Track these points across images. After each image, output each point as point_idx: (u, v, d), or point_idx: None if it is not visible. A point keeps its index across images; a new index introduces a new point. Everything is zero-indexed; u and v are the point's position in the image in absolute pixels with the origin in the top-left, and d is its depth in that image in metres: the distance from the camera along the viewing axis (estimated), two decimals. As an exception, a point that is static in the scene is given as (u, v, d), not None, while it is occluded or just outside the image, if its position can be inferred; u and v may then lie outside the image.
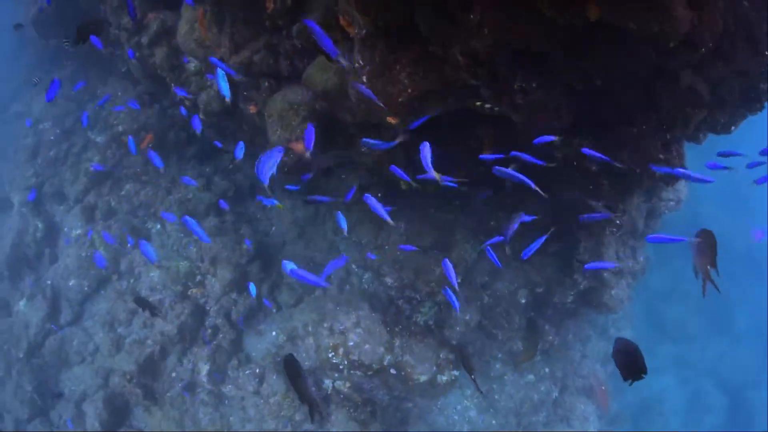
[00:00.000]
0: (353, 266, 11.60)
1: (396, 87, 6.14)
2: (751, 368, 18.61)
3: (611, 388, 14.33)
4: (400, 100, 6.21)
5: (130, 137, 10.76)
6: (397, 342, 10.50)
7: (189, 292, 11.35)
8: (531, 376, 12.53)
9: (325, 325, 10.54)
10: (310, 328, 10.72)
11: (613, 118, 7.08)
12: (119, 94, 13.61)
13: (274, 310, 11.26)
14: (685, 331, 19.37)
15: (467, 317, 11.00)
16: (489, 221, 11.03)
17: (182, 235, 12.06)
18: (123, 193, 13.05)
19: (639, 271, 12.63)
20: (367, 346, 10.31)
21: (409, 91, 6.17)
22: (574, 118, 6.88)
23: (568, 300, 11.68)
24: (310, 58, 8.54)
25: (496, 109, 6.61)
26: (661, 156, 7.09)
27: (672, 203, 12.76)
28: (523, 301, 11.51)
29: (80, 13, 13.29)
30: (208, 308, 11.24)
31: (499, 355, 11.98)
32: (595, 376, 13.86)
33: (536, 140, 6.42)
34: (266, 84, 9.18)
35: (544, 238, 7.66)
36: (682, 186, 12.51)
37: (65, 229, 13.44)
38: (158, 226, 12.49)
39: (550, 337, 12.35)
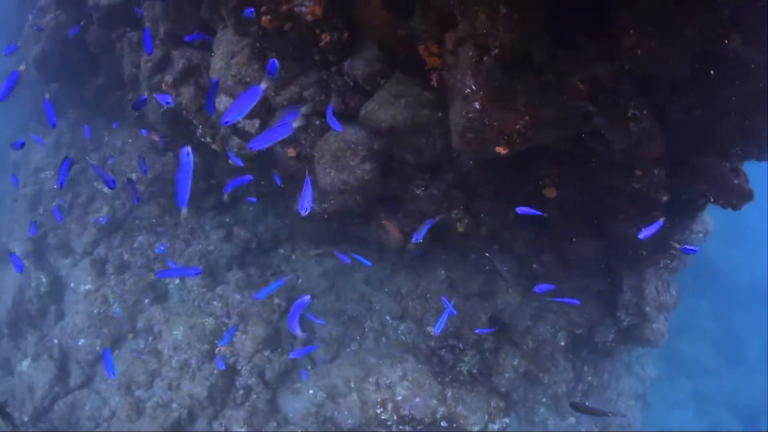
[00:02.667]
0: (387, 318, 11.11)
1: (513, 114, 5.85)
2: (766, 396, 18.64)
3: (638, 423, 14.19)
4: (517, 127, 5.90)
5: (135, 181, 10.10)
6: (449, 392, 9.97)
7: (216, 351, 10.60)
8: (572, 419, 12.14)
9: (371, 379, 9.95)
10: (352, 384, 10.09)
11: (684, 149, 6.96)
12: (129, 141, 12.94)
13: (310, 367, 10.58)
14: (701, 365, 19.52)
15: (515, 362, 10.54)
16: (531, 264, 10.66)
17: (204, 290, 11.38)
18: (136, 245, 12.35)
19: (673, 305, 12.45)
20: (417, 399, 9.75)
21: (527, 118, 5.86)
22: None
23: (609, 338, 11.35)
24: (362, 95, 8.16)
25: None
26: (735, 181, 7.00)
27: (701, 235, 12.69)
28: (563, 343, 11.22)
29: (88, 58, 12.70)
30: (239, 367, 10.49)
31: (544, 400, 11.54)
32: None
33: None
34: (317, 122, 8.69)
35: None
36: (707, 218, 12.41)
37: (72, 285, 12.63)
38: (177, 281, 11.78)
39: (589, 378, 12.19)
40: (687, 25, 5.04)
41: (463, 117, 6.11)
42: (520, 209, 6.99)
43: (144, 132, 11.59)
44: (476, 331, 9.83)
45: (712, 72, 5.73)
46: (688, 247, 7.39)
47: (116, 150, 13.41)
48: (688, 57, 5.38)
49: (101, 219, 12.41)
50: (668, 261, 10.42)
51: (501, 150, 6.21)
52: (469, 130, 6.16)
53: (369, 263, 9.00)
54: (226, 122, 5.03)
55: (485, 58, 5.78)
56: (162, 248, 12.02)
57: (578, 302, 8.08)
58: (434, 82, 7.16)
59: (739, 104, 6.16)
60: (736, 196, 7.11)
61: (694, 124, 6.44)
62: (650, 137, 6.28)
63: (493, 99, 5.91)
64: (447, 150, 7.89)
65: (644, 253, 9.58)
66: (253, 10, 7.17)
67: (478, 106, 5.98)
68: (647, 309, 11.14)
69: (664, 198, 7.67)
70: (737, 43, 5.02)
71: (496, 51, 5.38)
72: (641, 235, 6.88)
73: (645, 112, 6.06)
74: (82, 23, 12.20)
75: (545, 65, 5.74)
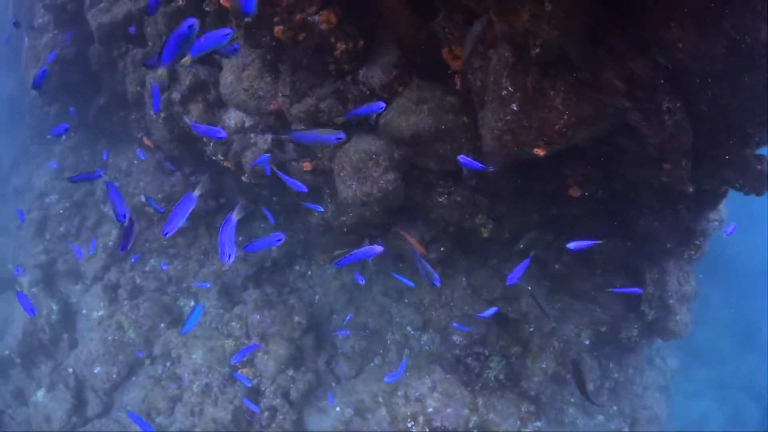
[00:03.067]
0: (409, 329, 10.91)
1: (552, 113, 5.71)
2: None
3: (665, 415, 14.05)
4: (557, 127, 5.76)
5: (150, 202, 9.92)
6: (480, 401, 9.79)
7: (239, 370, 10.38)
8: (601, 417, 12.00)
9: (399, 393, 9.74)
10: (380, 399, 9.90)
11: (706, 139, 6.84)
12: (135, 162, 12.69)
13: (334, 384, 10.36)
14: (718, 354, 19.51)
15: (543, 365, 10.37)
16: (553, 265, 10.49)
17: (222, 311, 11.14)
18: (148, 268, 12.10)
19: (693, 295, 12.43)
20: (449, 409, 9.56)
21: (566, 117, 5.72)
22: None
23: (633, 334, 11.23)
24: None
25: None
26: (758, 167, 7.03)
27: (716, 223, 12.63)
28: (587, 342, 11.09)
29: (88, 78, 12.46)
30: (263, 389, 10.24)
31: (572, 400, 11.37)
32: None
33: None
34: None
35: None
36: (722, 206, 12.35)
37: (84, 311, 12.39)
38: (192, 303, 11.55)
39: (615, 375, 12.11)
40: (722, 17, 4.99)
41: (501, 120, 5.94)
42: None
43: (139, 154, 11.33)
44: (476, 315, 9.57)
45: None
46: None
47: (121, 172, 13.17)
48: (723, 48, 5.27)
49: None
50: (692, 252, 10.30)
51: (539, 151, 6.05)
52: (506, 132, 5.99)
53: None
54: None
55: (521, 58, 5.63)
56: (165, 266, 11.80)
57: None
58: (458, 86, 7.00)
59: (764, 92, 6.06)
60: (760, 183, 7.12)
61: (721, 114, 6.40)
62: (683, 129, 6.20)
63: (532, 99, 5.76)
64: (471, 155, 7.70)
65: (669, 245, 9.44)
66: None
67: (516, 108, 5.83)
68: (670, 301, 11.09)
69: (690, 189, 7.57)
70: None
71: (538, 50, 5.21)
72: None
73: (678, 105, 5.98)
74: (72, 33, 12.04)
75: (581, 61, 5.60)
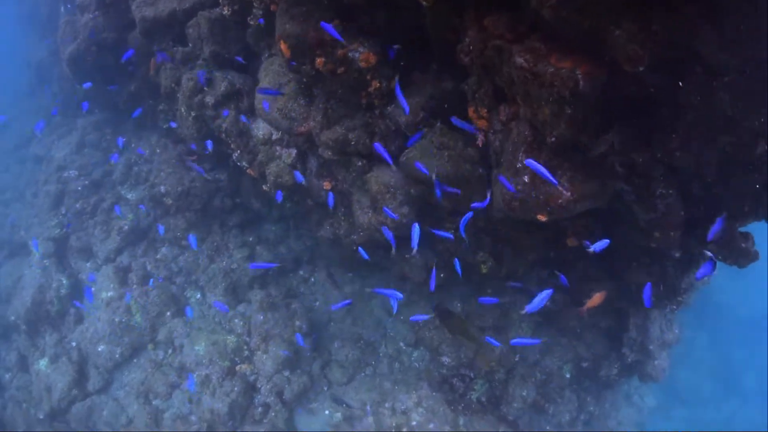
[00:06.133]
0: (402, 344, 11.42)
1: (558, 189, 6.42)
2: (761, 424, 19.06)
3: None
4: (560, 201, 6.48)
5: (191, 236, 10.44)
6: (462, 420, 10.35)
7: (237, 368, 10.92)
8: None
9: (387, 404, 10.32)
10: (368, 407, 10.43)
11: (699, 212, 7.40)
12: (157, 151, 13.14)
13: (326, 388, 10.92)
14: (698, 395, 19.83)
15: (524, 393, 10.92)
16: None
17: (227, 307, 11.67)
18: (159, 256, 12.59)
19: (674, 342, 12.95)
20: (431, 425, 10.13)
21: (570, 194, 6.46)
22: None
23: (613, 372, 11.79)
24: (403, 140, 8.48)
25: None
26: (743, 245, 7.57)
27: (705, 278, 13.07)
28: (568, 375, 11.61)
29: (123, 64, 12.83)
30: (259, 386, 10.81)
31: (548, 428, 11.91)
32: None
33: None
34: (359, 163, 8.99)
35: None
36: (711, 259, 12.84)
37: (93, 290, 12.80)
38: (198, 295, 12.06)
39: (591, 408, 12.53)
40: (723, 135, 5.58)
41: (512, 187, 6.52)
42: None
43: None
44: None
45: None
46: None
47: (142, 157, 13.58)
48: (718, 156, 5.89)
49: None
50: (674, 307, 10.85)
51: (542, 218, 6.72)
52: (516, 200, 6.68)
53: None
54: None
55: (537, 138, 6.26)
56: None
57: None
58: (479, 142, 7.52)
59: (759, 186, 6.53)
60: (743, 258, 7.68)
61: (712, 198, 6.98)
62: (673, 212, 6.89)
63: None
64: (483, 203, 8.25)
65: (653, 298, 9.94)
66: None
67: (527, 180, 6.54)
68: (651, 347, 11.66)
69: (677, 255, 8.14)
70: (763, 150, 5.56)
71: (553, 140, 5.82)
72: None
73: (671, 191, 6.70)
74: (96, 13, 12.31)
75: (590, 147, 6.22)
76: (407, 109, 7.26)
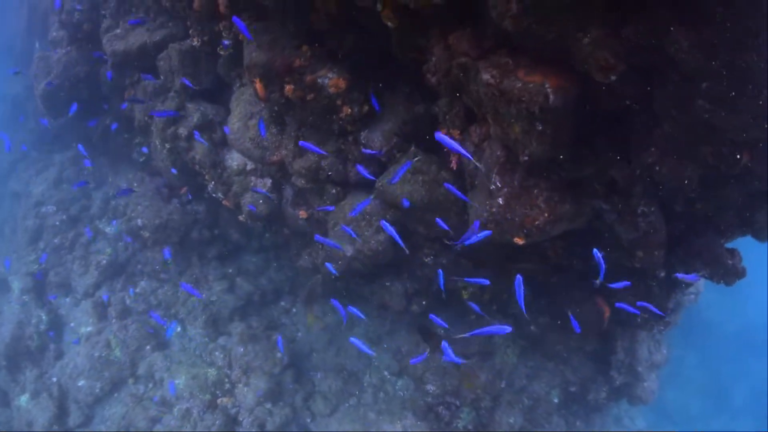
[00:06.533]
0: (386, 373, 11.25)
1: (534, 211, 6.33)
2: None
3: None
4: (537, 223, 6.37)
5: (165, 250, 10.30)
6: (447, 449, 10.15)
7: (218, 401, 10.71)
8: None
9: (372, 435, 10.13)
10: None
11: (683, 230, 7.45)
12: (135, 185, 13.03)
13: (309, 420, 10.71)
14: (688, 413, 19.75)
15: (511, 420, 10.74)
16: (528, 326, 10.92)
17: (207, 339, 11.49)
18: (138, 290, 12.40)
19: (663, 362, 12.85)
20: (416, 455, 9.94)
21: (546, 215, 6.35)
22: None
23: (601, 396, 11.62)
24: (377, 167, 8.41)
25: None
26: (729, 262, 7.48)
27: (692, 296, 13.10)
28: (556, 400, 11.46)
29: (96, 96, 12.78)
30: (240, 419, 10.59)
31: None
32: None
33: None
34: (333, 191, 8.90)
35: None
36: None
37: (72, 324, 12.66)
38: (178, 329, 11.87)
39: None
40: (703, 146, 5.41)
41: (486, 210, 6.50)
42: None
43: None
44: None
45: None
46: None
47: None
48: (700, 171, 5.77)
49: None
50: (661, 327, 10.75)
51: (519, 241, 6.57)
52: (491, 222, 6.53)
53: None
54: None
55: (510, 158, 6.13)
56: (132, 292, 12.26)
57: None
58: (453, 165, 7.45)
59: (742, 199, 6.55)
60: (730, 275, 7.57)
61: (694, 215, 6.94)
62: (655, 230, 6.78)
63: (516, 195, 6.34)
64: (460, 225, 8.16)
65: (638, 320, 9.88)
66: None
67: (501, 202, 6.40)
68: (639, 368, 11.55)
69: (662, 274, 8.03)
70: (746, 162, 5.43)
71: (526, 158, 5.69)
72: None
73: (652, 209, 6.59)
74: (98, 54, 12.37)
75: (567, 165, 6.13)
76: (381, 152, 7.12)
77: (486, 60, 5.70)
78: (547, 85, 5.20)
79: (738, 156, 5.32)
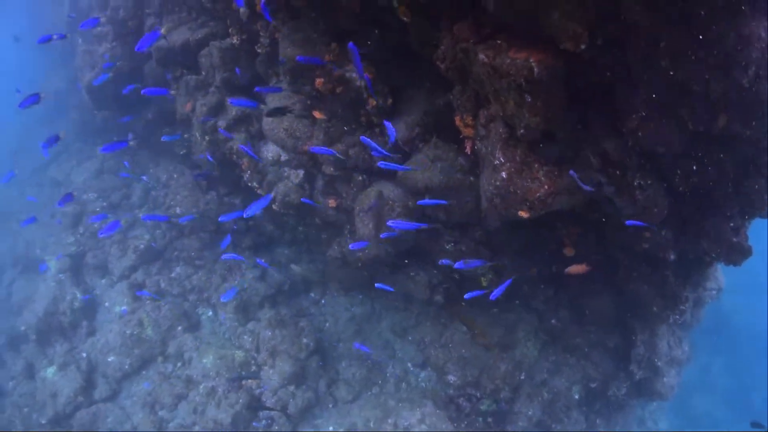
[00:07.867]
0: (409, 365, 11.54)
1: (535, 183, 6.72)
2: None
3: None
4: (538, 195, 6.73)
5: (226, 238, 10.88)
6: (464, 436, 10.38)
7: (243, 382, 11.12)
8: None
9: (390, 420, 10.38)
10: (371, 424, 10.52)
11: (691, 211, 7.68)
12: (174, 176, 13.58)
13: (331, 405, 11.06)
14: (713, 419, 19.53)
15: (530, 413, 10.90)
16: (550, 319, 11.12)
17: (236, 324, 11.92)
18: (173, 275, 12.91)
19: (685, 360, 12.79)
20: (433, 439, 10.18)
21: (546, 187, 6.71)
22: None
23: (622, 392, 11.70)
24: (401, 155, 8.79)
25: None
26: (734, 239, 7.67)
27: (714, 292, 13.00)
28: (577, 396, 11.51)
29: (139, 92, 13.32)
30: (264, 400, 10.97)
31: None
32: None
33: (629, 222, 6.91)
34: (360, 178, 9.32)
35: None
36: (720, 275, 12.76)
37: (106, 304, 13.14)
38: (210, 313, 12.33)
39: (600, 430, 12.39)
40: (681, 108, 5.85)
41: (492, 185, 6.93)
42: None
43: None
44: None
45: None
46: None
47: (160, 183, 14.04)
48: (683, 134, 6.16)
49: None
50: (677, 317, 10.78)
51: (523, 214, 6.96)
52: (496, 196, 6.97)
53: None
54: None
55: (512, 134, 6.60)
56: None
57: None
58: (468, 150, 7.83)
59: (734, 170, 6.79)
60: (736, 253, 7.75)
61: (695, 190, 7.12)
62: (654, 204, 7.03)
63: (518, 170, 6.76)
64: (476, 211, 8.53)
65: (655, 308, 9.95)
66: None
67: (504, 176, 6.82)
68: (659, 363, 11.57)
69: (672, 257, 8.21)
70: (724, 123, 5.81)
71: (522, 131, 6.23)
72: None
73: (649, 182, 6.88)
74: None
75: (563, 140, 6.56)
76: (393, 137, 7.51)
77: (484, 44, 6.26)
78: (531, 60, 5.72)
79: (714, 115, 5.72)
